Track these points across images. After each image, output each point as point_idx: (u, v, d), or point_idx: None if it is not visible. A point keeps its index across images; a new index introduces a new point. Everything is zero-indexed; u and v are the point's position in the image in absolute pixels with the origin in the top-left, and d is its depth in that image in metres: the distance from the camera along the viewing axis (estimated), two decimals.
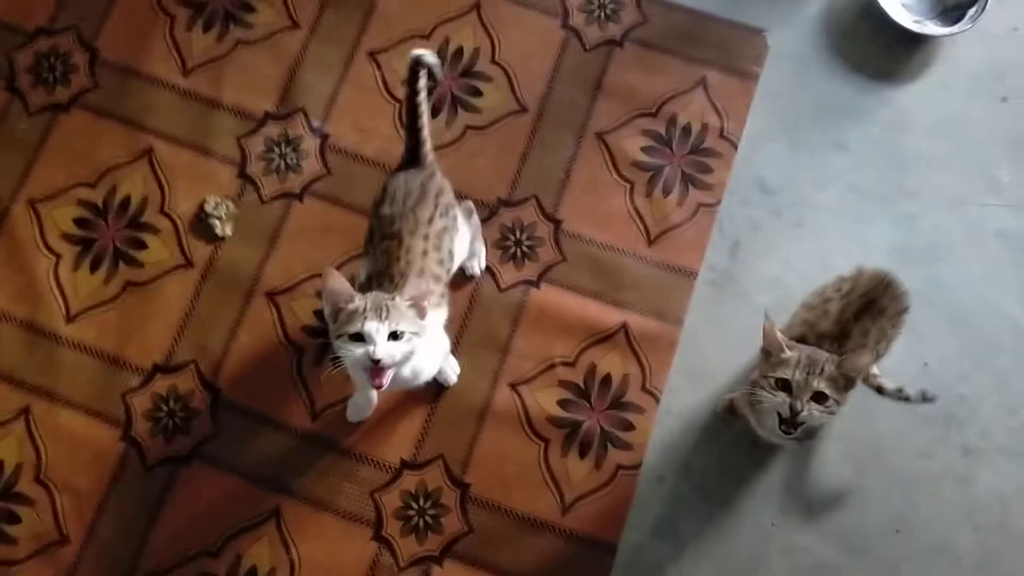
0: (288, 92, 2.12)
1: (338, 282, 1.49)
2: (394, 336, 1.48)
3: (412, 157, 1.72)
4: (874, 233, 2.05)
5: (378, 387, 1.50)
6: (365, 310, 1.47)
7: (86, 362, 1.93)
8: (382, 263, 1.62)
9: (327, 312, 1.51)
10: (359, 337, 1.46)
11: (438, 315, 1.66)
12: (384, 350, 1.46)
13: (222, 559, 1.83)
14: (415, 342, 1.51)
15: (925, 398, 1.74)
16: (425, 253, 1.64)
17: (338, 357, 1.52)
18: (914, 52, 2.17)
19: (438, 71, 1.72)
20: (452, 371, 1.90)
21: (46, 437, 1.89)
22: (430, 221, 1.66)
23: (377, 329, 1.45)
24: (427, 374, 1.68)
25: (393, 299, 1.49)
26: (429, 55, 1.64)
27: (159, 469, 1.88)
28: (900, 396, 1.74)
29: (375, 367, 1.47)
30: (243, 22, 2.16)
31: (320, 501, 1.87)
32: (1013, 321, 1.99)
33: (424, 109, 1.69)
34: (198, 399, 1.91)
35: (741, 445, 1.90)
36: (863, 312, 1.64)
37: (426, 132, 1.72)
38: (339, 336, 1.48)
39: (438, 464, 1.90)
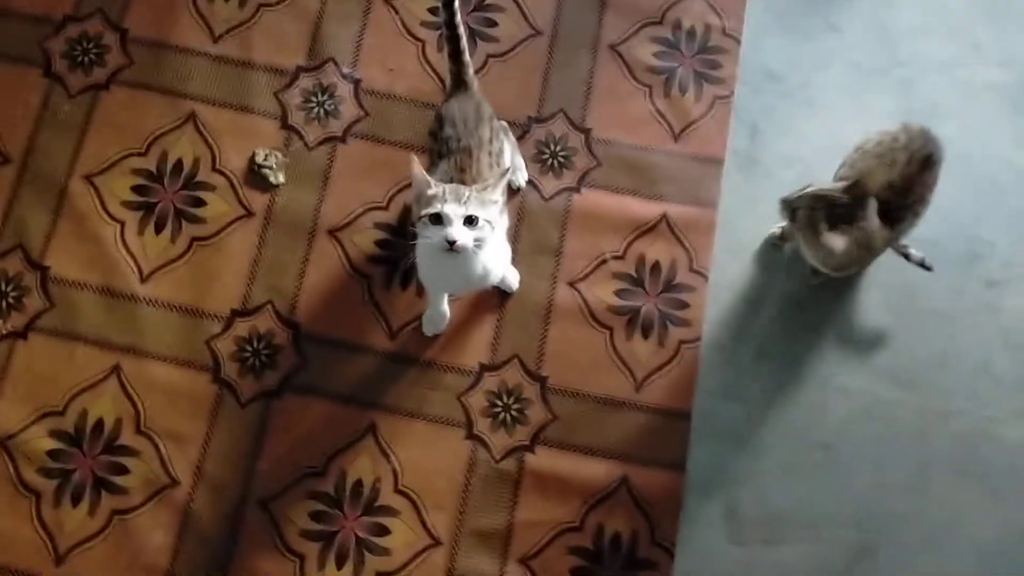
0: (315, 45, 2.23)
1: (419, 169, 1.61)
2: (469, 221, 1.60)
3: (458, 82, 1.86)
4: (877, 102, 2.22)
5: (453, 245, 1.59)
6: (444, 195, 1.59)
7: (166, 317, 2.03)
8: (455, 175, 1.74)
9: (412, 196, 1.64)
10: (438, 219, 1.59)
11: (501, 223, 1.78)
12: (459, 232, 1.58)
13: (328, 477, 1.93)
14: (487, 231, 1.63)
15: (923, 266, 1.95)
16: (490, 167, 1.77)
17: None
18: None
19: None
20: (514, 278, 2.02)
21: (140, 391, 1.98)
22: (490, 141, 1.80)
23: (455, 211, 1.58)
24: (495, 275, 1.81)
25: (471, 188, 1.62)
26: None
27: (254, 404, 1.98)
28: (902, 252, 1.95)
29: (451, 247, 1.59)
30: None
31: (411, 411, 1.98)
32: (1014, 164, 2.17)
33: (462, 32, 1.81)
34: (280, 336, 2.02)
35: (790, 307, 2.05)
36: (926, 167, 1.81)
37: (467, 56, 1.85)
38: (420, 218, 1.60)
39: (514, 363, 2.02)
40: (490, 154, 1.80)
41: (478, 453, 1.96)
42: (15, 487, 1.92)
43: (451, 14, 1.79)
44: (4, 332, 2.00)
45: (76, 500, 1.91)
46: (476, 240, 1.62)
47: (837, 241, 1.76)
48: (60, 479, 1.92)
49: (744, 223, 2.12)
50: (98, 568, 1.88)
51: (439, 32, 2.23)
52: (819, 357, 2.04)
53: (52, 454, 1.94)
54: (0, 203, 2.09)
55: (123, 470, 1.93)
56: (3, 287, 2.03)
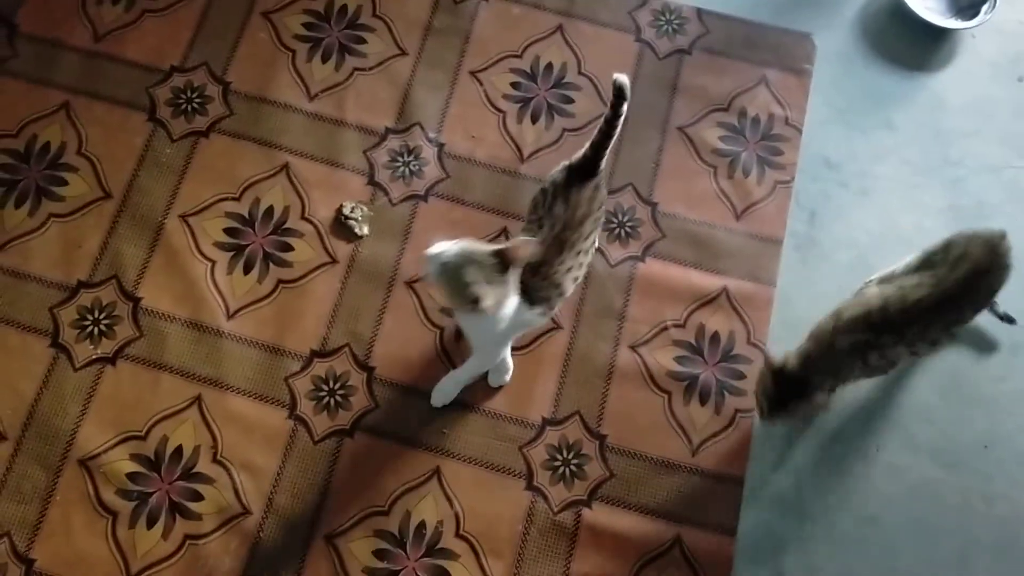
0: (404, 109, 2.38)
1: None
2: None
3: (589, 168, 1.88)
4: (928, 197, 2.35)
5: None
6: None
7: (249, 353, 2.13)
8: (545, 255, 1.83)
9: None
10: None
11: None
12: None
13: (393, 516, 2.02)
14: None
15: (1007, 318, 2.06)
16: (568, 270, 1.87)
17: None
18: (940, 44, 2.51)
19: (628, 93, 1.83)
20: (505, 373, 2.12)
21: (219, 421, 2.07)
22: (588, 236, 1.89)
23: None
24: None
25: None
26: (627, 79, 1.80)
27: (326, 441, 2.07)
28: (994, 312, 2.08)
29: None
30: (357, 52, 2.43)
31: (475, 459, 2.07)
32: None
33: (618, 129, 1.85)
34: (354, 378, 2.12)
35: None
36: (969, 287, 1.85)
37: (607, 151, 1.88)
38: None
39: (576, 419, 2.11)
40: (577, 254, 1.86)
41: (537, 504, 2.03)
42: (93, 506, 2.00)
43: (617, 115, 1.82)
44: (94, 356, 2.10)
45: (151, 523, 1.99)
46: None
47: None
48: (137, 501, 2.01)
49: (800, 300, 2.23)
50: None
51: (520, 105, 2.38)
52: (867, 433, 2.13)
53: (131, 476, 2.02)
54: (99, 235, 2.21)
55: (198, 497, 2.02)
56: (96, 314, 2.14)
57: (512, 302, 1.75)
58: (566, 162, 1.90)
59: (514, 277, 1.72)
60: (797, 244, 2.29)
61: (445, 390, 2.09)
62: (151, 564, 1.97)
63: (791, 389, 1.86)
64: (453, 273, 1.64)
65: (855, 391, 2.14)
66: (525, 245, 1.69)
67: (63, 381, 2.09)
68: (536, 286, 1.82)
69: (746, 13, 2.52)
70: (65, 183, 2.26)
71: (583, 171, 1.87)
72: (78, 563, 1.96)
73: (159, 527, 1.99)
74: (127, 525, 1.99)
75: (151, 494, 2.01)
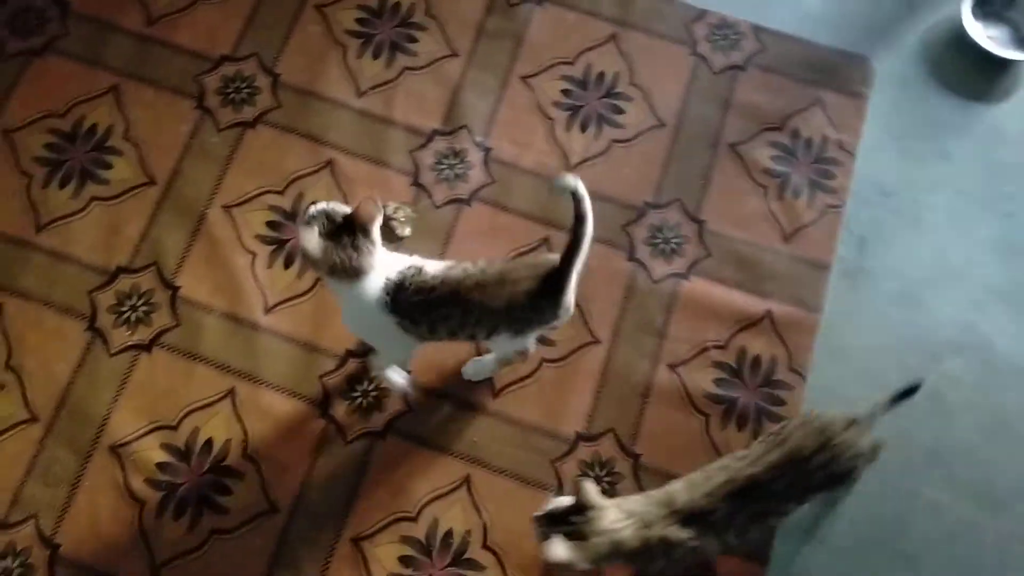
0: (452, 111, 2.35)
1: None
2: None
3: (555, 285, 1.71)
4: (981, 230, 2.30)
5: None
6: None
7: (284, 348, 2.12)
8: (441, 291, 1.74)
9: None
10: None
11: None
12: None
13: (420, 523, 1.99)
14: None
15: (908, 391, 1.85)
16: (446, 319, 1.77)
17: None
18: (1001, 75, 2.46)
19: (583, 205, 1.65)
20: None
21: (251, 416, 2.06)
22: (492, 330, 1.80)
23: None
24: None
25: None
26: (576, 184, 1.64)
27: (357, 443, 2.05)
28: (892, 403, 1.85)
29: None
30: (408, 51, 2.41)
31: (505, 470, 2.04)
32: None
33: (585, 246, 1.68)
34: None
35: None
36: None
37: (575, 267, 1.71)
38: None
39: (610, 436, 2.08)
40: (464, 315, 1.76)
41: None
42: (122, 494, 1.99)
43: (581, 231, 1.66)
44: (129, 343, 2.09)
45: (179, 514, 1.98)
46: None
47: None
48: (166, 491, 1.99)
49: (845, 329, 2.19)
50: None
51: (569, 112, 2.35)
52: (908, 470, 2.08)
53: (161, 466, 2.01)
54: (141, 221, 2.20)
55: (226, 491, 2.00)
56: (135, 300, 2.13)
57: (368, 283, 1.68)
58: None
59: (366, 244, 1.65)
60: (845, 271, 2.24)
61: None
62: (177, 555, 1.96)
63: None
64: (305, 224, 1.62)
65: (894, 427, 2.09)
66: (367, 202, 1.62)
67: (98, 366, 2.08)
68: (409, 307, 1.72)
69: (804, 32, 2.48)
70: (110, 166, 2.25)
71: (548, 285, 1.71)
72: (103, 550, 1.95)
73: (186, 519, 1.98)
74: (155, 514, 1.98)
75: (180, 485, 2.00)
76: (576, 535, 1.63)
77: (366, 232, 1.65)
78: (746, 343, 2.17)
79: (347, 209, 1.65)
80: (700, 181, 2.31)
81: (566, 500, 1.68)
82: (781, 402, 2.12)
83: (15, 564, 1.93)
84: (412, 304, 1.71)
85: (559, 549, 1.59)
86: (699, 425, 2.10)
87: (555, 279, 1.70)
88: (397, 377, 2.03)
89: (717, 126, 2.37)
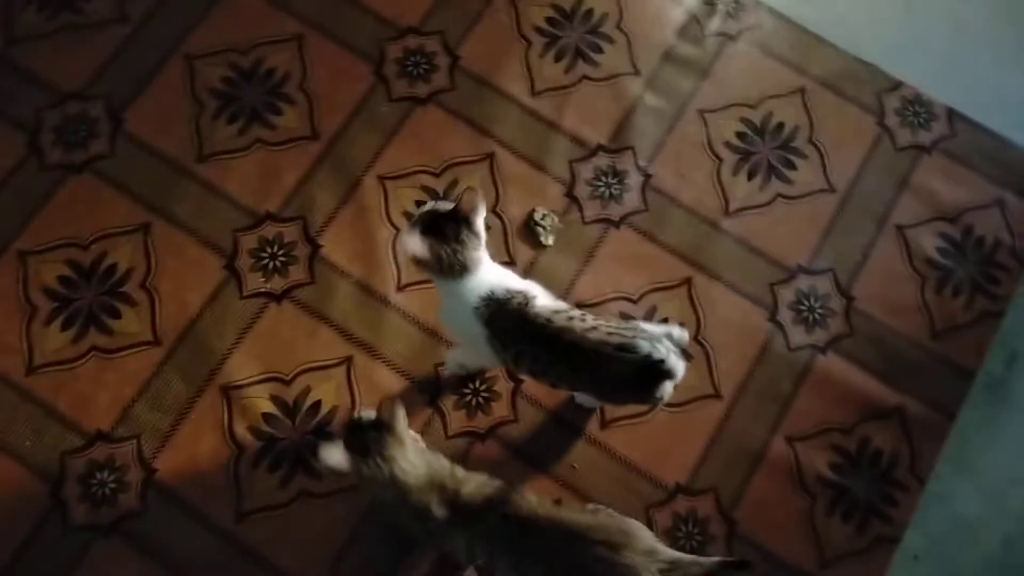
0: (621, 130, 2.31)
1: None
2: None
3: (457, 265, 1.66)
4: None
5: None
6: None
7: (408, 329, 2.11)
8: None
9: None
10: None
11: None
12: None
13: None
14: None
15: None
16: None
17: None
18: None
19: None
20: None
21: (362, 387, 2.06)
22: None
23: None
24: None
25: None
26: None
27: (459, 440, 2.05)
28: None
29: None
30: (590, 60, 2.37)
31: (598, 502, 2.00)
32: None
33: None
34: (500, 385, 2.09)
35: (1004, 549, 1.99)
36: None
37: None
38: None
39: (710, 495, 2.03)
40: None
41: None
42: (224, 435, 2.01)
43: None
44: (262, 289, 2.11)
45: (274, 468, 2.00)
46: None
47: None
48: (266, 442, 2.01)
49: (977, 442, 2.09)
50: (269, 534, 1.96)
51: (739, 156, 2.29)
52: None
53: (267, 417, 2.03)
54: (298, 173, 2.22)
55: None
56: (275, 249, 2.15)
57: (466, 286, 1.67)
58: None
59: (470, 237, 1.64)
60: (989, 383, 2.13)
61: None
62: (262, 507, 1.98)
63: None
64: (409, 229, 1.63)
65: (1012, 556, 1.99)
66: (470, 193, 1.62)
67: (227, 305, 2.11)
68: None
69: (1001, 127, 2.35)
70: (280, 112, 2.27)
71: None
72: (196, 485, 1.98)
73: (279, 473, 1.99)
74: (251, 463, 1.99)
75: (280, 440, 2.02)
76: (361, 449, 1.60)
77: (469, 224, 1.63)
78: (871, 433, 2.09)
79: (451, 205, 1.63)
80: (859, 256, 2.22)
81: (372, 413, 1.64)
82: (894, 503, 2.03)
83: (110, 478, 1.97)
84: (507, 328, 1.66)
85: (333, 455, 1.59)
86: (804, 506, 2.03)
87: (651, 373, 1.60)
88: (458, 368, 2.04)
89: (888, 204, 2.28)
